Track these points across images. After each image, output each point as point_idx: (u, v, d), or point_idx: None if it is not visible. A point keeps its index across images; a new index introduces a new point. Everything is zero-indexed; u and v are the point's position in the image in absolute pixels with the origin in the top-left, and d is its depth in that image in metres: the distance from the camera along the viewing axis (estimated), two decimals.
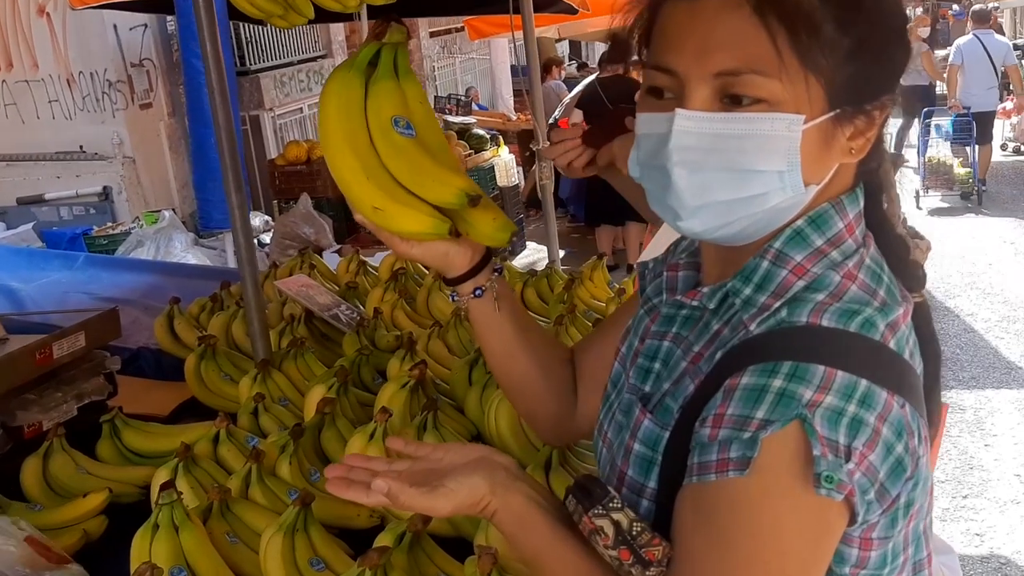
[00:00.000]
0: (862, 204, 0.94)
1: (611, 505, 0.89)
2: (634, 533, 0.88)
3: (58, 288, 3.28)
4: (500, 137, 8.20)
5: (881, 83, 0.88)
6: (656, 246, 1.56)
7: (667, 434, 0.90)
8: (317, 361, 2.41)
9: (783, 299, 0.88)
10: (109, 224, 6.21)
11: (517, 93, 13.64)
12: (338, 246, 6.37)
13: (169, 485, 1.58)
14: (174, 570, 1.47)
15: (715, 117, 0.85)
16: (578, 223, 7.90)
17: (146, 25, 6.97)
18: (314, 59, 9.59)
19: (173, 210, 6.20)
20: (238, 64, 7.54)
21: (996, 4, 15.41)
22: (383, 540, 1.48)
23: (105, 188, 6.65)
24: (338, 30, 9.87)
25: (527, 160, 9.10)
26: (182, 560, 1.51)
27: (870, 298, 0.88)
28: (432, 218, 1.13)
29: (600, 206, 6.88)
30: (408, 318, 2.78)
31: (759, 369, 0.82)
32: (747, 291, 0.90)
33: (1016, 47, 14.28)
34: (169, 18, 7.24)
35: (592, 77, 6.55)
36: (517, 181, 8.03)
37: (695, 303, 0.96)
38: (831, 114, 0.86)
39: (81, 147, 6.73)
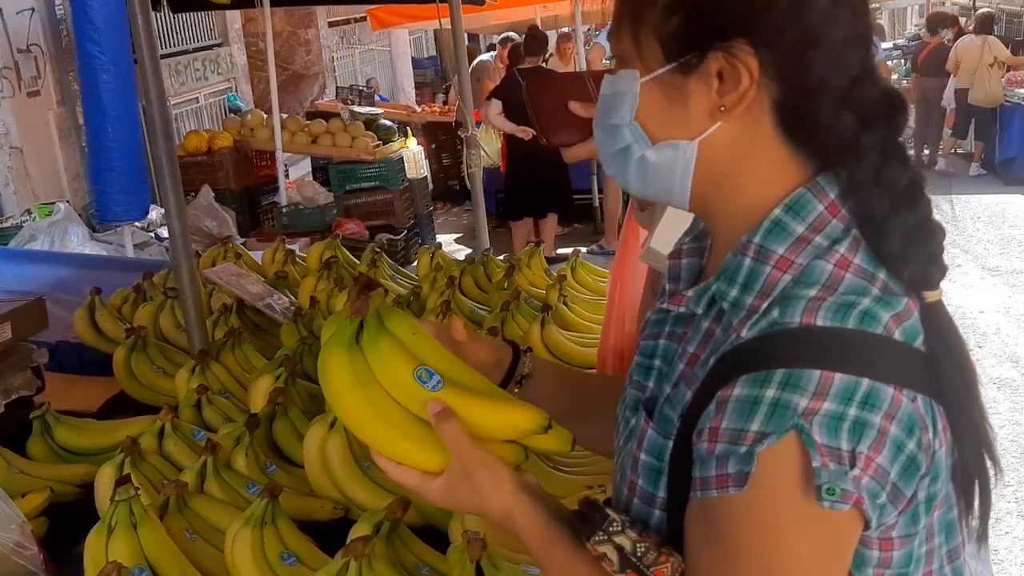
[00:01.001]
0: (844, 184, 0.85)
1: (611, 529, 0.86)
2: (639, 554, 0.85)
3: None
4: (408, 128, 8.10)
5: (718, 29, 0.83)
6: (661, 236, 1.54)
7: (670, 443, 0.87)
8: (255, 352, 2.32)
9: (771, 298, 0.82)
10: None
11: (419, 85, 13.56)
12: (242, 239, 6.17)
13: (126, 480, 1.48)
14: (135, 570, 1.38)
15: (607, 78, 0.93)
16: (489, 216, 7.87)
17: (33, 9, 6.57)
18: (210, 47, 9.26)
19: (67, 202, 5.87)
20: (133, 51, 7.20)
21: (877, 6, 16.15)
22: (360, 530, 1.42)
23: None
24: (235, 17, 9.57)
25: (433, 152, 9.04)
26: (142, 560, 1.42)
27: (868, 284, 0.81)
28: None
29: (519, 199, 6.88)
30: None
31: (751, 379, 0.78)
32: (733, 293, 0.85)
33: (896, 47, 15.03)
34: (58, 2, 6.86)
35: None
36: (426, 173, 7.95)
37: (682, 309, 0.92)
38: (668, 67, 0.86)
39: None
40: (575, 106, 1.36)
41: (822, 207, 0.84)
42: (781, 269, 0.83)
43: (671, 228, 1.54)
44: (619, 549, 0.85)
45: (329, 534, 1.58)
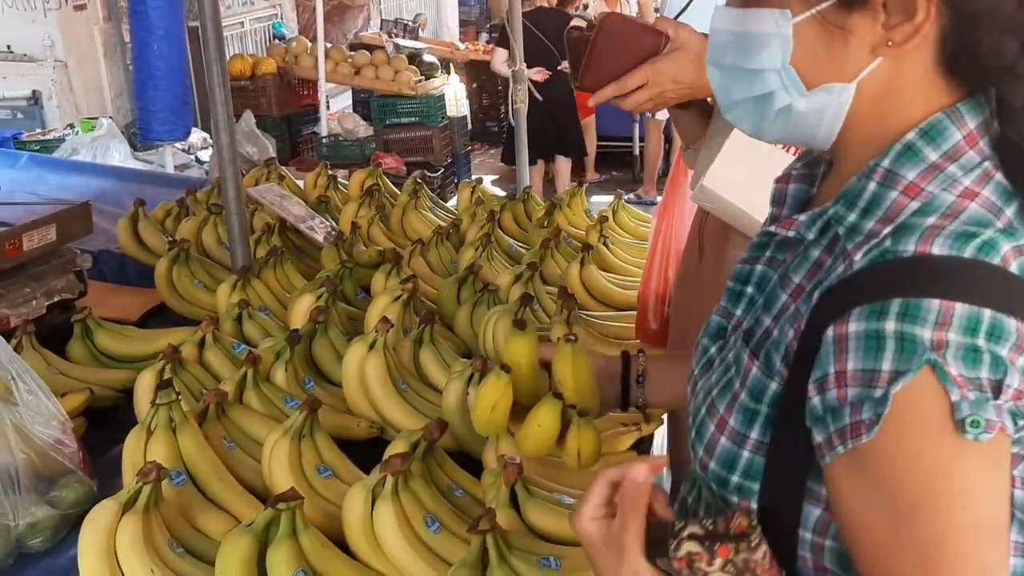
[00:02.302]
0: (988, 114, 0.81)
1: (676, 528, 0.81)
2: (711, 529, 0.80)
3: (8, 201, 3.07)
4: (450, 65, 8.01)
5: None
6: (717, 174, 1.50)
7: (773, 385, 0.83)
8: (296, 272, 2.32)
9: (893, 224, 0.78)
10: (39, 130, 5.87)
11: (463, 23, 13.37)
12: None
13: (167, 384, 1.49)
14: (172, 473, 1.40)
15: (727, 13, 0.86)
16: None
17: None
18: None
19: (110, 118, 5.88)
20: None
21: None
22: (397, 448, 1.42)
23: (34, 92, 6.25)
24: None
25: (474, 92, 8.94)
26: (180, 463, 1.44)
27: (993, 217, 0.77)
28: None
29: (531, 142, 6.81)
30: (384, 236, 2.69)
31: (865, 312, 0.74)
32: (851, 217, 0.81)
33: None
34: None
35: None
36: (466, 112, 7.87)
37: (791, 233, 0.86)
38: (827, 4, 0.80)
39: (8, 47, 6.30)
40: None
41: (960, 136, 0.80)
42: (909, 195, 0.79)
43: (729, 165, 1.50)
44: (699, 540, 0.79)
45: (364, 454, 1.59)
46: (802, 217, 0.86)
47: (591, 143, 7.41)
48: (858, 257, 0.78)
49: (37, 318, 1.85)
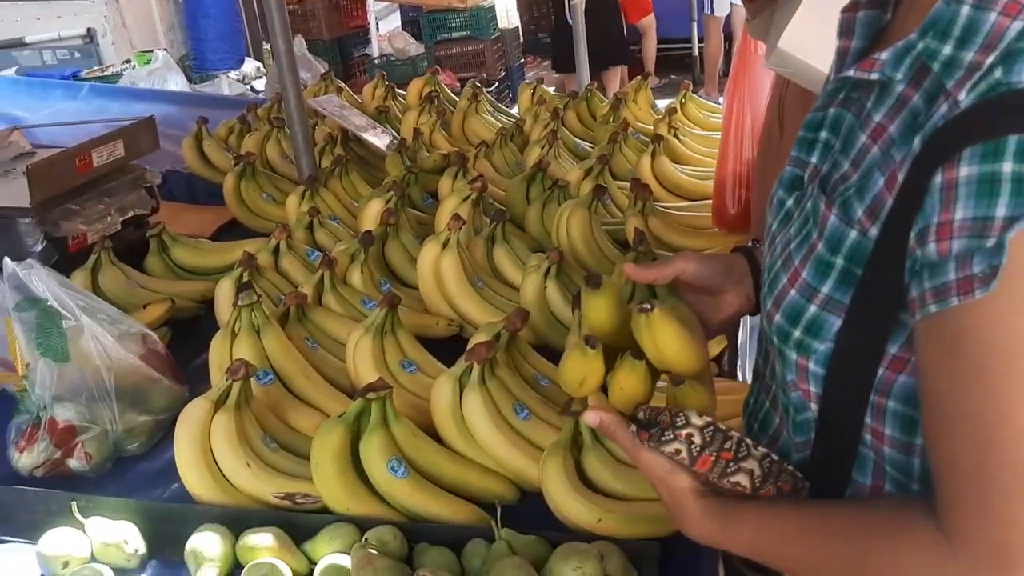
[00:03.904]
0: None
1: (678, 423, 0.83)
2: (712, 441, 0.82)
3: (64, 118, 3.09)
4: None
5: None
6: (792, 36, 1.41)
7: (852, 234, 0.77)
8: (361, 181, 2.30)
9: (997, 51, 0.68)
10: (97, 67, 5.90)
11: None
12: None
13: (247, 287, 1.48)
14: (259, 373, 1.40)
15: None
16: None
17: None
18: None
19: (165, 50, 5.89)
20: None
21: None
22: (480, 339, 1.40)
23: (89, 30, 6.28)
24: None
25: (524, 3, 8.71)
26: (266, 362, 1.44)
27: None
28: None
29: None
30: (447, 142, 2.65)
31: (979, 152, 0.65)
32: (947, 49, 0.72)
33: None
34: None
35: None
36: (517, 24, 7.69)
37: (875, 76, 0.77)
38: None
39: None
40: None
41: None
42: (1009, 15, 0.69)
43: (806, 25, 1.41)
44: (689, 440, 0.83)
45: (445, 352, 1.58)
46: (884, 55, 0.77)
47: (650, 46, 7.19)
48: (963, 95, 0.69)
49: (113, 234, 1.86)
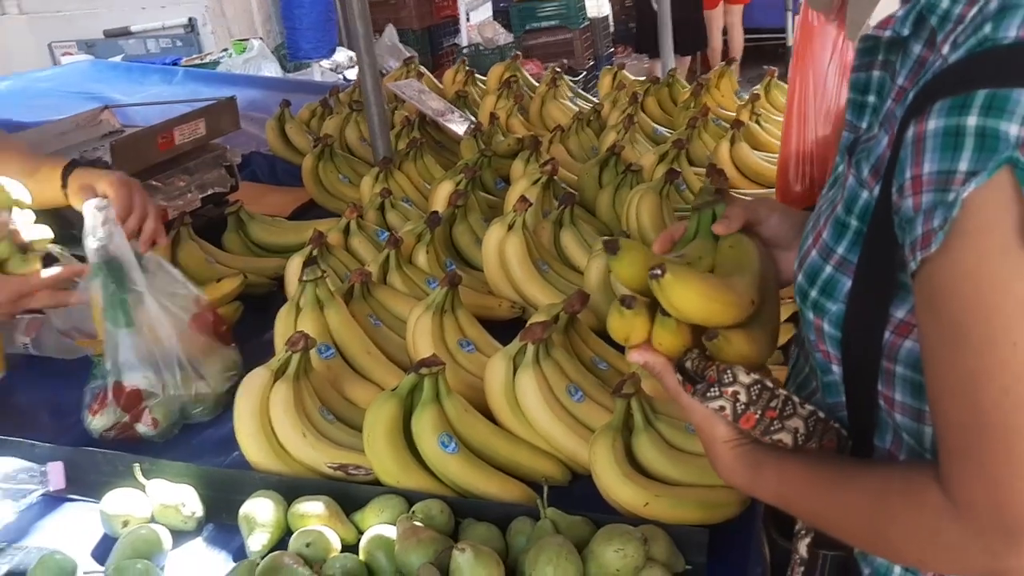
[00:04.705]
0: None
1: (725, 380, 0.84)
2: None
3: (161, 100, 3.19)
4: None
5: None
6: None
7: (864, 195, 0.77)
8: (435, 164, 2.32)
9: (987, 5, 0.67)
10: (196, 55, 6.11)
11: None
12: None
13: (313, 263, 1.51)
14: (321, 347, 1.42)
15: None
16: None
17: None
18: None
19: (260, 39, 6.05)
20: None
21: None
22: (537, 319, 1.40)
23: (190, 19, 6.51)
24: None
25: None
26: (328, 337, 1.46)
27: None
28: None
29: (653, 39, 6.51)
30: (523, 126, 2.64)
31: (947, 105, 0.65)
32: (944, 3, 0.71)
33: None
34: None
35: None
36: (607, 12, 7.64)
37: (888, 33, 0.78)
38: None
39: None
40: None
41: None
42: None
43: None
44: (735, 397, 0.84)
45: (506, 334, 1.57)
46: (899, 12, 0.77)
47: (736, 35, 7.03)
48: (947, 49, 0.69)
49: (193, 211, 1.92)
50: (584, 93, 2.96)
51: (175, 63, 5.79)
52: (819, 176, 1.85)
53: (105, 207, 1.37)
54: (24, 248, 1.38)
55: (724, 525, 1.12)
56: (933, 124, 0.65)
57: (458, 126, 2.51)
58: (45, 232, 1.40)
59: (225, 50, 5.99)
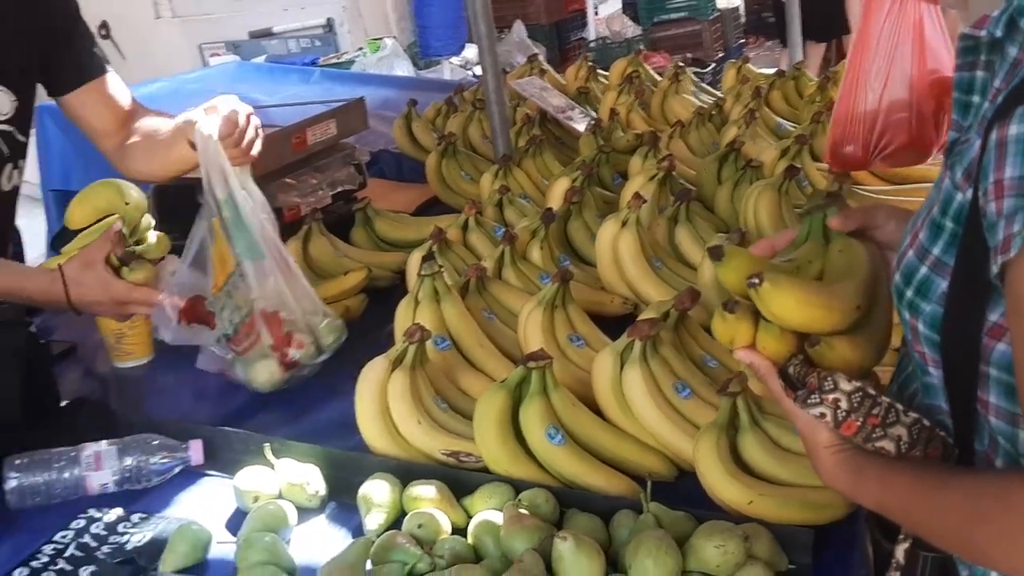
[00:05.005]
0: None
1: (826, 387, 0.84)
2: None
3: (297, 100, 3.35)
4: None
5: None
6: None
7: (958, 196, 0.76)
8: (554, 160, 2.35)
9: None
10: (333, 54, 6.36)
11: None
12: None
13: (431, 258, 1.58)
14: (437, 338, 1.48)
15: None
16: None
17: None
18: None
19: (394, 38, 6.25)
20: None
21: None
22: (647, 315, 1.42)
23: (329, 20, 6.78)
24: None
25: None
26: (444, 329, 1.52)
27: None
28: None
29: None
30: (643, 122, 2.65)
31: None
32: None
33: None
34: None
35: None
36: (739, 2, 7.48)
37: (983, 33, 0.78)
38: None
39: None
40: None
41: None
42: None
43: None
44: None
45: (617, 330, 1.59)
46: (995, 12, 0.76)
47: None
48: None
49: (324, 207, 2.03)
50: (708, 87, 2.94)
51: (313, 62, 6.05)
52: (868, 140, 1.79)
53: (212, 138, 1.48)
54: (125, 259, 1.51)
55: (830, 526, 1.11)
56: (1015, 129, 0.65)
57: (579, 123, 2.54)
58: (161, 241, 1.52)
59: (360, 49, 6.21)
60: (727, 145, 2.10)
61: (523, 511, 1.14)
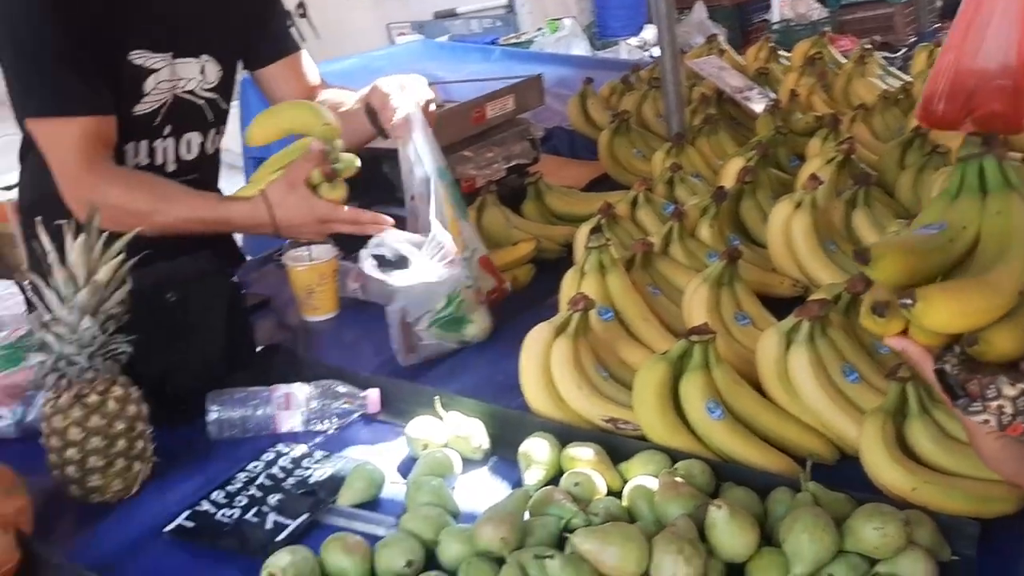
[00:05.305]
0: None
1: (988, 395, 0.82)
2: None
3: (477, 77, 3.46)
4: None
5: None
6: None
7: None
8: (729, 140, 2.33)
9: None
10: (513, 34, 6.48)
11: None
12: None
13: (599, 230, 1.61)
14: (600, 309, 1.52)
15: None
16: None
17: None
18: None
19: (573, 18, 6.29)
20: None
21: None
22: (817, 296, 1.40)
23: (510, 0, 6.91)
24: None
25: None
26: (608, 300, 1.55)
27: None
28: None
29: None
30: (825, 104, 2.57)
31: None
32: None
33: None
34: None
35: None
36: None
37: None
38: None
39: None
40: None
41: None
42: None
43: None
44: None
45: (786, 312, 1.57)
46: None
47: None
48: None
49: (498, 180, 2.10)
50: (896, 72, 2.81)
51: (493, 42, 6.20)
52: (962, 100, 1.64)
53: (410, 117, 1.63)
54: (332, 175, 1.60)
55: (997, 520, 1.08)
56: None
57: (756, 103, 2.50)
58: (353, 160, 1.62)
59: (539, 29, 6.31)
60: (912, 130, 2.02)
61: (679, 479, 1.17)
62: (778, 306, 1.60)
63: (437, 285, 1.58)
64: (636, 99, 2.65)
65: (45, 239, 1.24)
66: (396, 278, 1.56)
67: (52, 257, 1.25)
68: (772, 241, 1.72)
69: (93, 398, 1.27)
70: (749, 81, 2.63)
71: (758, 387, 1.35)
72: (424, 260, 1.57)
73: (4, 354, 1.54)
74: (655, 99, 2.62)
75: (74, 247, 1.25)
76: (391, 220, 1.64)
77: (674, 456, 1.23)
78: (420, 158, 1.65)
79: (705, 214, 1.78)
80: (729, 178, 1.97)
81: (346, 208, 1.63)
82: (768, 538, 1.09)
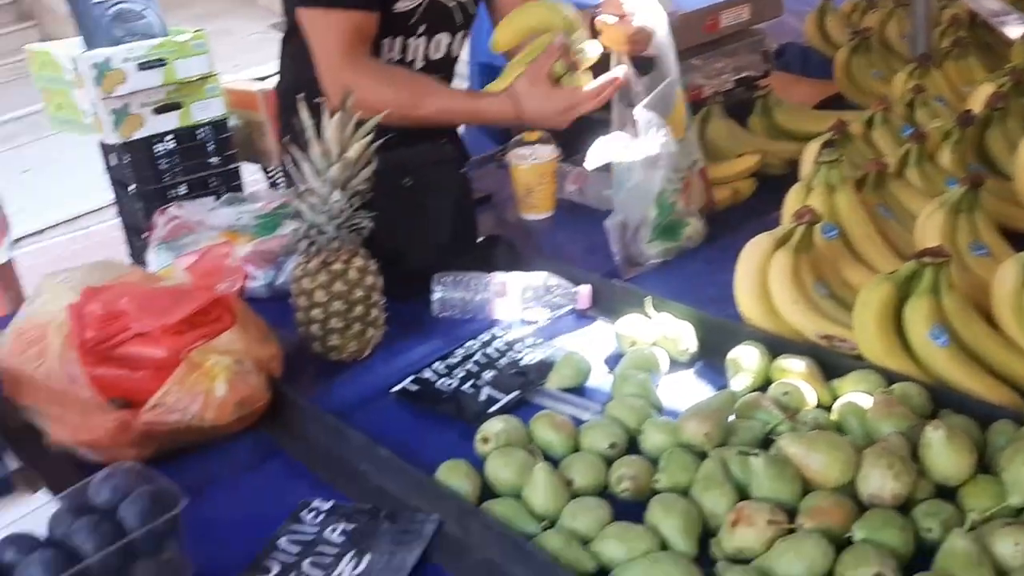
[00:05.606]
0: None
1: None
2: None
3: None
4: None
5: None
6: None
7: None
8: (980, 67, 2.16)
9: None
10: None
11: None
12: None
13: (831, 145, 1.56)
14: (825, 226, 1.48)
15: None
16: None
17: None
18: None
19: None
20: None
21: None
22: None
23: None
24: None
25: None
26: (834, 218, 1.51)
27: None
28: None
29: None
30: None
31: None
32: None
33: None
34: None
35: None
36: None
37: None
38: None
39: None
40: None
41: None
42: None
43: None
44: None
45: None
46: None
47: None
48: None
49: (725, 91, 2.06)
50: None
51: None
52: None
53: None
54: (575, 66, 1.65)
55: None
56: None
57: (1014, 28, 2.28)
58: (593, 49, 1.66)
59: None
60: None
61: (894, 399, 1.15)
62: (1021, 242, 1.51)
63: (648, 182, 1.62)
64: (880, 17, 2.50)
65: (305, 115, 1.36)
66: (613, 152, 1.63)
67: (310, 133, 1.36)
68: (1020, 173, 1.60)
69: (338, 266, 1.39)
70: (1007, 6, 2.40)
71: (989, 320, 1.28)
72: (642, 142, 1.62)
73: (260, 223, 1.70)
74: (900, 18, 2.46)
75: (330, 124, 1.36)
76: (624, 68, 1.67)
77: (891, 378, 1.21)
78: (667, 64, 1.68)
79: (947, 138, 1.68)
80: (977, 103, 1.84)
81: (584, 89, 1.67)
82: (985, 468, 1.06)
